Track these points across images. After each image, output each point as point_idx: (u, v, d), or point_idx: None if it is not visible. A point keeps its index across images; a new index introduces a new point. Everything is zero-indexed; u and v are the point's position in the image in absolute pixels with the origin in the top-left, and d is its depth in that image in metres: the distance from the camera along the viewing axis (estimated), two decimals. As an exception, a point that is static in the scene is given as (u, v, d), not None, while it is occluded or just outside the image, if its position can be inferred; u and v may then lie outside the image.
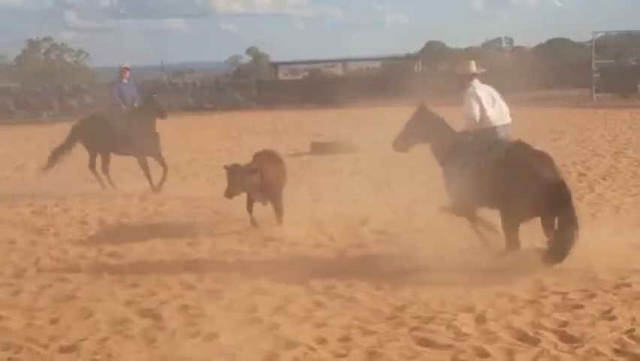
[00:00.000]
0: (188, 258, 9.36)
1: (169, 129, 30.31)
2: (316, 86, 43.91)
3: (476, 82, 9.00)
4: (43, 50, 58.99)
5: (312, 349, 6.18)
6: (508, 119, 8.99)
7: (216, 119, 34.48)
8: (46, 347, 6.49)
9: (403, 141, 9.26)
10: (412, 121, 9.16)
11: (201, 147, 22.32)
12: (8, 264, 9.37)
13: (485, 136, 8.70)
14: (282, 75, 56.61)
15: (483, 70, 9.25)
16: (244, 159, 11.29)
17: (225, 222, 11.27)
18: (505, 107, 9.01)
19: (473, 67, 9.09)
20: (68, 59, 59.25)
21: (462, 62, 9.56)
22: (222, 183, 10.82)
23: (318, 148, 20.07)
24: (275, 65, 55.83)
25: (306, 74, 59.72)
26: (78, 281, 8.48)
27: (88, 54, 59.80)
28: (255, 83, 46.49)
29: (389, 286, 7.78)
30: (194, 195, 13.48)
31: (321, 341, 6.34)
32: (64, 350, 6.43)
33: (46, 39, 59.91)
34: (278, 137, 24.39)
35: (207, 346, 6.28)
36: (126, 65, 15.76)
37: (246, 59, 67.30)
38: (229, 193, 10.13)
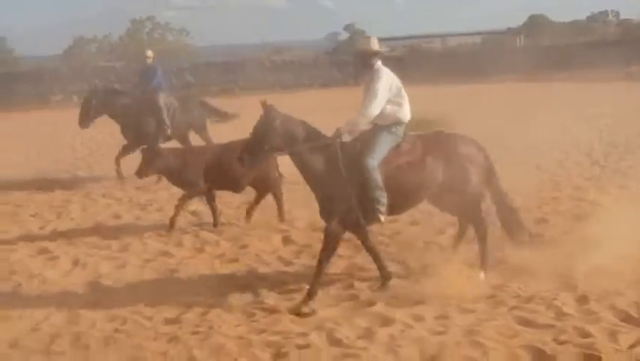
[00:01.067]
0: (286, 234, 9.45)
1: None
2: (414, 62, 43.42)
3: (381, 64, 7.37)
4: (146, 30, 60.32)
5: (409, 326, 6.16)
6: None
7: (313, 94, 34.54)
8: (150, 319, 6.70)
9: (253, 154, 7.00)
10: (260, 127, 7.00)
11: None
12: (114, 238, 9.68)
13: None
14: (380, 52, 56.14)
15: (387, 49, 8.07)
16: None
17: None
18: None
19: (375, 44, 7.37)
20: (170, 38, 60.42)
21: (363, 38, 7.89)
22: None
23: (412, 126, 19.87)
24: (373, 42, 55.47)
25: (404, 50, 59.17)
26: (180, 256, 8.70)
27: (189, 33, 60.80)
28: (353, 60, 46.34)
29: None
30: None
31: (418, 319, 6.32)
32: (167, 322, 6.62)
33: (149, 18, 61.19)
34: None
35: (305, 321, 6.34)
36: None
37: (344, 35, 67.11)
38: (139, 173, 10.17)
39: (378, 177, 6.88)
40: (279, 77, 43.19)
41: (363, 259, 8.03)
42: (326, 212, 6.97)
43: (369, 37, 7.52)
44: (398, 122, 7.25)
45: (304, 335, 6.07)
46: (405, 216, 9.78)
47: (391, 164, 7.05)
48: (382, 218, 7.00)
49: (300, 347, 5.85)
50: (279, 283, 7.46)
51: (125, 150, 13.90)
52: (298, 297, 6.91)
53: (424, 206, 8.13)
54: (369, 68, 7.27)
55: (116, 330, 6.48)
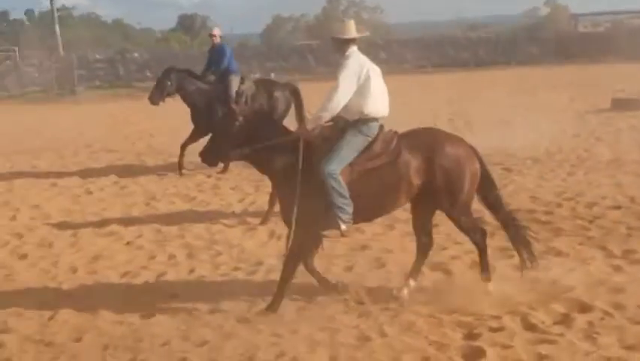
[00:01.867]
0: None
1: (459, 83, 30.28)
2: (618, 39, 41.20)
3: (356, 50, 6.60)
4: (342, 8, 61.19)
5: (609, 314, 5.90)
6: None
7: (510, 73, 33.64)
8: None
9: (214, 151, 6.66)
10: (221, 124, 6.79)
11: (494, 102, 21.93)
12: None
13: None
14: (582, 27, 53.88)
15: (366, 34, 7.01)
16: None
17: (517, 180, 11.04)
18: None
19: (351, 30, 6.58)
20: (365, 15, 60.93)
21: (338, 22, 7.05)
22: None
23: (619, 104, 18.88)
24: (575, 17, 53.32)
25: (608, 25, 56.34)
26: (372, 232, 8.76)
27: (383, 10, 61.09)
28: (553, 36, 44.74)
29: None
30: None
31: (619, 307, 6.03)
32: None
33: (343, -4, 62.04)
34: (575, 92, 23.24)
35: (497, 303, 6.22)
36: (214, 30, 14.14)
37: (544, 10, 64.81)
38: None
39: (338, 183, 6.17)
40: (474, 53, 42.47)
41: (561, 243, 7.78)
42: (287, 217, 6.39)
43: (344, 22, 6.74)
44: (367, 119, 6.40)
45: (497, 318, 5.95)
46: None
47: (359, 167, 6.33)
48: (344, 226, 6.30)
49: (492, 329, 5.75)
50: (470, 263, 7.34)
51: (192, 138, 13.06)
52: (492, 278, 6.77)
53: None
54: (342, 54, 6.53)
55: (309, 302, 6.64)
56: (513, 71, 35.20)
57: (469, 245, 7.89)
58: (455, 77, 35.56)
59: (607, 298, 6.25)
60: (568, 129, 15.25)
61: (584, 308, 6.03)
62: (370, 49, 44.26)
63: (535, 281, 6.65)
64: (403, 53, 44.16)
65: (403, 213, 9.42)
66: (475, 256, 7.13)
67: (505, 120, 15.87)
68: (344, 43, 6.51)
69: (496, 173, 11.40)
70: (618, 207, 9.22)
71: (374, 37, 48.66)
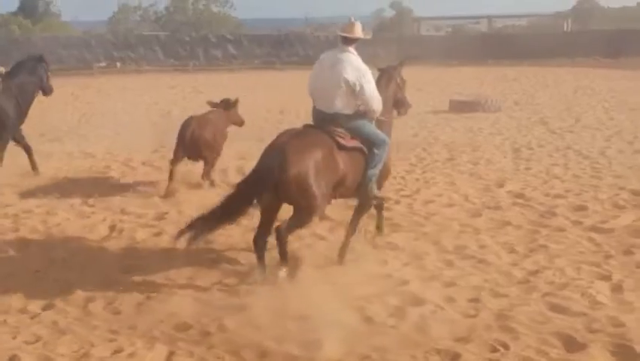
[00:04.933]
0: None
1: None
2: (459, 43, 43.04)
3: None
4: (191, 0, 60.46)
5: (440, 307, 6.16)
6: None
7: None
8: (183, 287, 6.76)
9: None
10: None
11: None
12: (151, 206, 9.79)
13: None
14: (425, 31, 55.87)
15: (368, 37, 7.70)
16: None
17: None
18: None
19: (359, 30, 7.33)
20: (215, 9, 60.50)
21: (346, 23, 7.44)
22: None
23: (457, 106, 19.76)
24: (417, 20, 55.19)
25: (450, 30, 58.73)
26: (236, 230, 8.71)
27: (233, 4, 60.86)
28: (396, 38, 46.09)
29: (523, 249, 7.64)
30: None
31: (450, 300, 6.31)
32: (199, 290, 6.67)
33: (194, -12, 61.39)
34: (416, 93, 24.08)
35: (337, 296, 6.34)
36: None
37: (390, 12, 66.61)
38: None
39: None
40: (321, 52, 43.13)
41: (398, 238, 8.04)
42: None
43: (353, 23, 7.30)
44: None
45: (336, 311, 6.07)
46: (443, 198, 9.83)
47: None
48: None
49: (331, 322, 5.86)
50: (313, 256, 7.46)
51: None
52: (333, 272, 6.91)
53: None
54: (343, 52, 7.23)
55: (148, 297, 6.56)
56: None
57: (309, 239, 8.07)
58: (304, 74, 35.85)
59: (439, 291, 6.51)
60: (408, 130, 15.78)
61: (418, 301, 6.26)
62: (220, 42, 44.16)
63: (372, 275, 6.86)
64: (252, 48, 44.14)
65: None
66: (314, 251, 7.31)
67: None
68: (351, 41, 7.27)
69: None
70: (452, 205, 9.63)
71: (223, 32, 48.41)
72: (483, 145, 14.16)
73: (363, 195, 7.39)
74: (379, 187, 7.60)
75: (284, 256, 6.68)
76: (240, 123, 11.71)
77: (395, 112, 8.36)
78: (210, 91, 18.54)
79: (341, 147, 6.90)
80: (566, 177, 11.07)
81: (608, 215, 8.84)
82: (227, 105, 11.33)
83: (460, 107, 19.57)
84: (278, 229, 6.63)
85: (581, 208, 9.17)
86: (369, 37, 7.69)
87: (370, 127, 7.29)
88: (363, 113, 7.23)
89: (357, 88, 7.06)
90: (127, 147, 13.13)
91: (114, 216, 9.27)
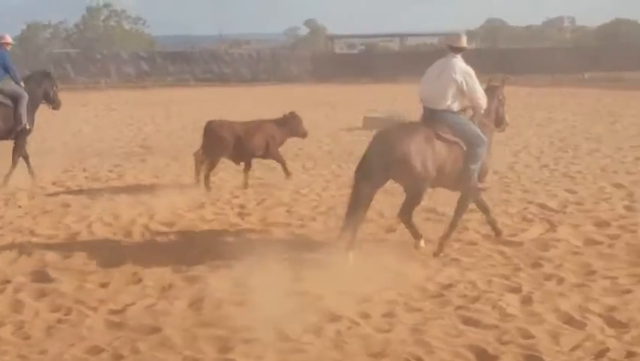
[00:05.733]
0: (237, 228, 9.44)
1: (224, 99, 30.59)
2: (372, 61, 43.63)
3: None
4: (102, 17, 59.65)
5: (356, 323, 6.19)
6: None
7: (271, 91, 34.48)
8: (95, 309, 6.62)
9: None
10: None
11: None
12: (62, 227, 9.56)
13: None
14: (339, 49, 56.43)
15: (472, 47, 8.63)
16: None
17: (275, 194, 11.35)
18: None
19: (464, 41, 8.50)
20: (127, 25, 59.82)
21: (454, 34, 8.57)
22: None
23: (371, 123, 19.98)
24: (331, 38, 55.72)
25: (363, 48, 59.46)
26: (128, 247, 8.61)
27: (146, 21, 60.36)
28: (311, 56, 46.42)
29: (436, 264, 7.77)
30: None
31: (365, 316, 6.35)
32: (112, 313, 6.55)
33: (106, 5, 60.63)
34: (331, 111, 24.34)
35: (252, 315, 6.32)
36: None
37: (304, 30, 67.15)
38: None
39: None
40: (236, 69, 43.05)
41: (315, 255, 8.05)
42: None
43: (460, 35, 8.47)
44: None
45: (251, 329, 6.05)
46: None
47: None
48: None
49: (246, 341, 5.83)
50: (227, 276, 7.41)
51: None
52: (247, 291, 6.88)
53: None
54: (451, 58, 8.30)
55: (59, 320, 6.39)
56: (273, 89, 36.09)
57: (226, 258, 8.02)
58: (217, 91, 35.92)
59: (355, 307, 6.55)
60: (323, 146, 15.89)
61: (334, 317, 6.28)
62: (133, 59, 43.57)
63: (288, 292, 6.86)
64: (165, 65, 43.75)
65: (161, 228, 9.40)
66: (231, 270, 7.27)
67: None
68: (458, 50, 8.36)
69: (252, 189, 11.73)
70: (368, 221, 9.70)
71: (136, 49, 47.85)
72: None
73: (464, 188, 8.31)
74: (480, 182, 8.48)
75: (416, 234, 8.17)
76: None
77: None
78: (123, 109, 18.29)
79: (440, 138, 7.91)
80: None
81: (517, 228, 9.07)
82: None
83: (374, 123, 19.78)
84: (399, 215, 8.18)
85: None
86: (472, 47, 8.27)
87: (474, 127, 8.22)
88: (469, 111, 8.37)
89: (465, 86, 8.13)
90: (36, 166, 12.80)
91: (23, 238, 9.01)
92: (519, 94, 30.06)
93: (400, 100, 28.42)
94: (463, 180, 8.17)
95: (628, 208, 10.12)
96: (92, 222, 9.79)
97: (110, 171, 13.73)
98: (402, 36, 55.64)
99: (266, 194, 11.38)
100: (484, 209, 8.71)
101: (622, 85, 33.01)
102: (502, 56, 41.59)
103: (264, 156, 12.14)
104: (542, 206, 10.19)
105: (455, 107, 8.17)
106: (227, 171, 13.22)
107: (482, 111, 8.39)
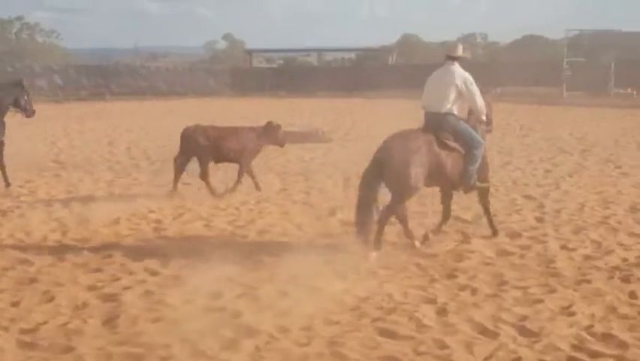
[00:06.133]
0: (154, 243, 9.31)
1: (141, 113, 30.21)
2: (291, 75, 43.79)
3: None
4: (14, 30, 58.26)
5: (274, 337, 6.18)
6: None
7: (189, 104, 34.22)
8: (6, 329, 6.43)
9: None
10: None
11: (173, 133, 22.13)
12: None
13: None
14: (257, 62, 56.43)
15: (469, 56, 9.29)
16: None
17: (193, 209, 11.25)
18: None
19: (460, 50, 9.09)
20: (40, 39, 58.57)
21: (451, 44, 9.52)
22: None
23: (289, 137, 19.99)
24: (249, 52, 55.69)
25: (281, 62, 59.65)
26: (41, 264, 8.39)
27: (59, 34, 59.24)
28: (229, 70, 46.30)
29: (354, 276, 7.81)
30: (164, 181, 13.36)
31: (283, 330, 6.34)
32: (24, 332, 6.37)
33: (18, 18, 59.25)
34: (250, 124, 24.24)
35: (169, 332, 6.25)
36: None
37: (222, 44, 66.97)
38: None
39: None
40: (153, 83, 42.57)
41: (232, 270, 8.00)
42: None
43: (457, 45, 9.21)
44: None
45: (167, 346, 5.97)
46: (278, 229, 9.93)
47: None
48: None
49: (162, 358, 5.76)
50: (143, 293, 7.31)
51: None
52: (163, 307, 6.80)
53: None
54: (450, 65, 8.91)
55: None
56: (191, 102, 35.85)
57: (142, 274, 7.91)
58: (133, 105, 35.47)
59: (273, 321, 6.54)
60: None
61: (252, 333, 6.25)
62: (46, 73, 42.62)
63: (205, 308, 6.80)
64: (79, 78, 42.96)
65: (74, 244, 9.20)
66: (147, 285, 7.17)
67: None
68: (455, 58, 8.96)
69: (170, 203, 11.60)
70: (286, 235, 9.73)
71: (49, 62, 46.85)
72: (315, 175, 14.44)
73: (466, 187, 9.02)
74: (483, 180, 9.20)
75: (378, 237, 8.55)
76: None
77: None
78: (36, 123, 17.85)
79: (440, 144, 8.58)
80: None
81: (432, 240, 9.20)
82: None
83: (292, 137, 19.83)
84: (380, 218, 8.59)
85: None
86: (469, 56, 9.34)
87: (471, 130, 8.89)
88: (469, 115, 9.09)
89: (464, 89, 8.78)
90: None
91: None
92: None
93: (319, 113, 28.58)
94: (463, 180, 8.85)
95: (538, 220, 10.40)
96: (2, 239, 9.52)
97: (21, 187, 13.36)
98: (319, 51, 56.00)
99: (183, 208, 11.27)
100: (486, 210, 9.51)
101: (533, 99, 33.96)
102: (417, 70, 42.32)
103: (238, 162, 12.55)
104: (457, 218, 10.37)
105: (455, 110, 8.84)
106: (142, 187, 13.07)
107: (482, 115, 9.09)
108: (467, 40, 71.31)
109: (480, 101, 8.96)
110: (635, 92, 36.17)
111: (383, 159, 8.42)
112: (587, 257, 8.43)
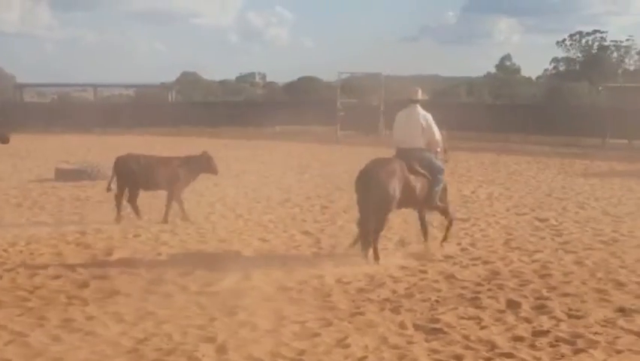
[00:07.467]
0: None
1: None
2: (65, 110, 42.23)
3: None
4: None
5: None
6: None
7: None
8: None
9: None
10: None
11: None
12: None
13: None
14: (29, 97, 53.89)
15: (426, 97, 11.18)
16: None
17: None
18: None
19: (420, 94, 10.75)
20: None
21: (412, 89, 10.88)
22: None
23: (63, 174, 19.26)
24: (20, 87, 53.07)
25: (55, 97, 57.39)
26: None
27: None
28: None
29: (131, 318, 7.61)
30: None
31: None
32: None
33: None
34: (19, 162, 23.14)
35: None
36: None
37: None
38: None
39: None
40: None
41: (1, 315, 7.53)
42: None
43: (417, 90, 10.74)
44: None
45: None
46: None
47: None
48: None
49: None
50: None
51: None
52: None
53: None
54: (414, 107, 10.63)
55: None
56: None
57: None
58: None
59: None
60: (10, 199, 15.04)
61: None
62: None
63: None
64: None
65: None
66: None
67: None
68: (416, 101, 10.69)
69: None
70: (58, 277, 9.29)
71: None
72: (91, 214, 13.93)
73: (430, 206, 10.79)
74: (442, 200, 10.91)
75: (376, 249, 10.07)
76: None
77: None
78: None
79: (412, 170, 10.19)
80: (174, 242, 11.34)
81: (213, 278, 9.17)
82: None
83: (66, 175, 19.11)
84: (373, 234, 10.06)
85: (187, 273, 9.40)
86: (427, 98, 11.62)
87: (435, 159, 10.63)
88: (429, 146, 10.61)
89: (427, 126, 10.48)
90: None
91: None
92: (216, 146, 30.74)
93: (95, 150, 27.70)
94: (429, 199, 10.55)
95: (315, 255, 10.68)
96: None
97: None
98: (95, 86, 54.39)
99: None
100: (450, 221, 11.17)
101: (311, 138, 35.00)
102: (197, 108, 42.38)
103: (167, 189, 13.16)
104: (238, 254, 10.42)
105: (423, 145, 10.51)
106: None
107: (438, 147, 10.75)
108: (246, 79, 72.53)
109: (438, 135, 10.63)
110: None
111: (366, 180, 9.88)
112: (360, 290, 8.76)
